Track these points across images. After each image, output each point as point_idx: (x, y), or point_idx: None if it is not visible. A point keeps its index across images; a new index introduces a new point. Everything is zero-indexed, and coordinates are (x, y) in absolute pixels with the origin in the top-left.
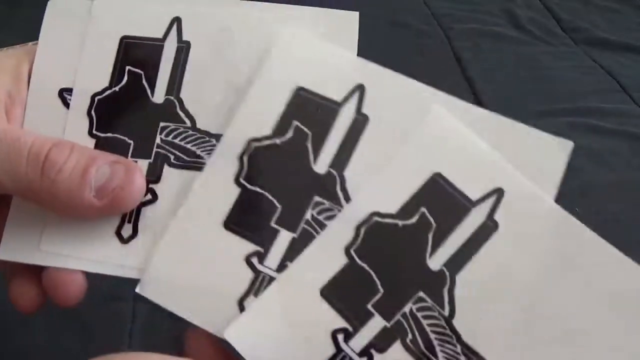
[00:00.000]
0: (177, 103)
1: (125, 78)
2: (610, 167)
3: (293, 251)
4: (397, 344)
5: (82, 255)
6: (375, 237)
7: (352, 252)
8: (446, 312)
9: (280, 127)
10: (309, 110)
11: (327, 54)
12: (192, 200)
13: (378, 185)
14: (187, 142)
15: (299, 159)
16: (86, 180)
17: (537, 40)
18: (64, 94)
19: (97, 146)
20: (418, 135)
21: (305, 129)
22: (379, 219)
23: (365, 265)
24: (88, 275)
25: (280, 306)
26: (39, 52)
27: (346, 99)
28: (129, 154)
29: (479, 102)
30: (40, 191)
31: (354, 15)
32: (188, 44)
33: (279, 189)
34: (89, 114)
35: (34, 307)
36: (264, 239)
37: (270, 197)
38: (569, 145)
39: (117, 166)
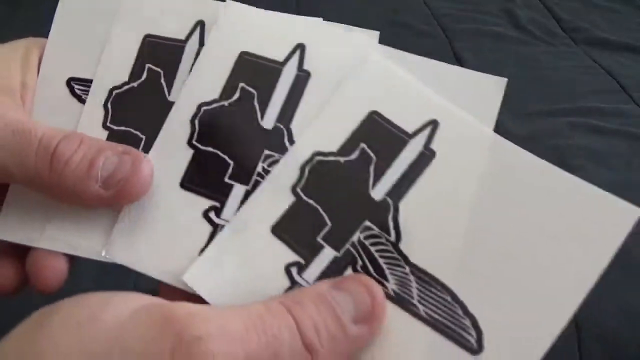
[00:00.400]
0: None
1: (145, 75)
2: (610, 167)
3: None
4: (349, 271)
5: (88, 244)
6: (319, 174)
7: (298, 190)
8: (392, 238)
9: (228, 90)
10: (253, 72)
11: (268, 19)
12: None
13: (318, 127)
14: None
15: (247, 117)
16: (93, 171)
17: (537, 40)
18: (72, 83)
19: (109, 138)
20: (354, 77)
21: (251, 89)
22: (322, 158)
23: (311, 202)
24: (91, 273)
25: (234, 247)
26: (50, 40)
27: (288, 58)
28: (140, 149)
29: None
30: (48, 182)
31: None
32: None
33: (230, 146)
34: (105, 106)
35: (13, 290)
36: (220, 194)
37: (222, 155)
38: (503, 82)
39: (125, 157)
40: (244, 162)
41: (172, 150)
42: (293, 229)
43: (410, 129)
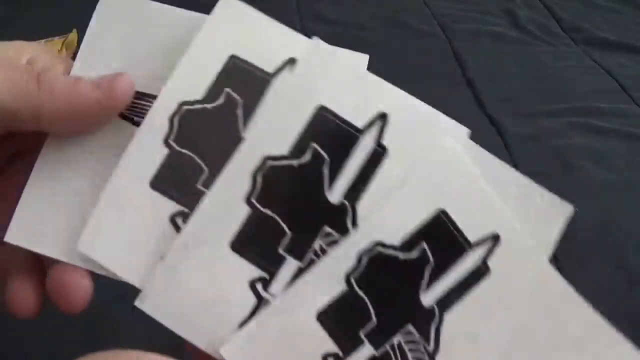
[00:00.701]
0: None
1: (222, 99)
2: (610, 167)
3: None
4: None
5: (123, 271)
6: (376, 267)
7: (352, 280)
8: (431, 347)
9: (298, 147)
10: (328, 134)
11: (353, 75)
12: (197, 218)
13: (384, 215)
14: None
15: (314, 185)
16: (80, 80)
17: (537, 40)
18: None
19: (168, 158)
20: (427, 168)
21: (324, 154)
22: (382, 250)
23: (363, 294)
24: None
25: (277, 327)
26: (85, 42)
27: (368, 127)
28: (200, 181)
29: (479, 102)
30: (39, 100)
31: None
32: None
33: (291, 214)
34: (171, 119)
35: (33, 312)
36: (271, 265)
37: (280, 221)
38: (569, 209)
39: (102, 76)
40: (301, 234)
41: (227, 204)
42: (338, 318)
43: (472, 237)
